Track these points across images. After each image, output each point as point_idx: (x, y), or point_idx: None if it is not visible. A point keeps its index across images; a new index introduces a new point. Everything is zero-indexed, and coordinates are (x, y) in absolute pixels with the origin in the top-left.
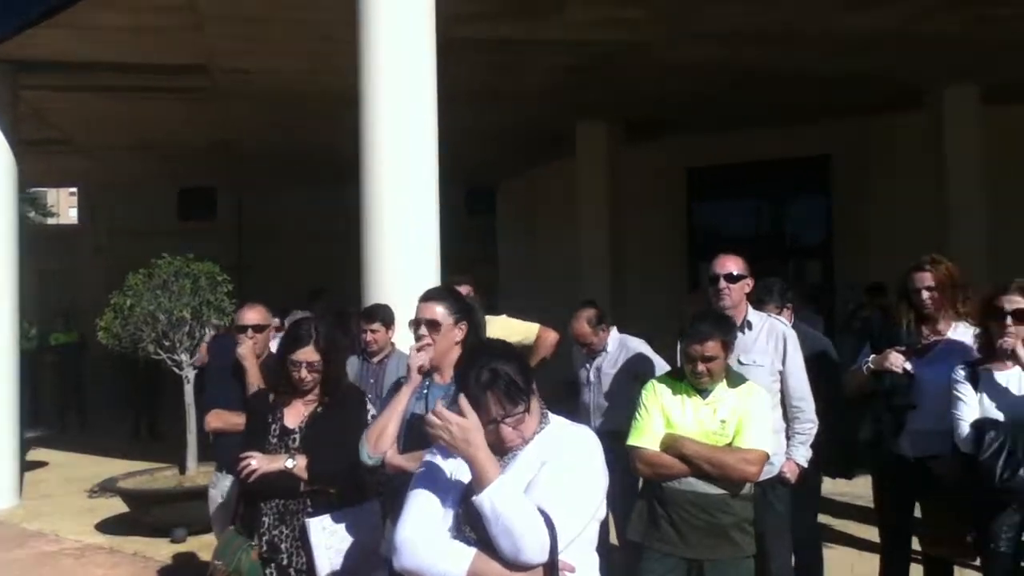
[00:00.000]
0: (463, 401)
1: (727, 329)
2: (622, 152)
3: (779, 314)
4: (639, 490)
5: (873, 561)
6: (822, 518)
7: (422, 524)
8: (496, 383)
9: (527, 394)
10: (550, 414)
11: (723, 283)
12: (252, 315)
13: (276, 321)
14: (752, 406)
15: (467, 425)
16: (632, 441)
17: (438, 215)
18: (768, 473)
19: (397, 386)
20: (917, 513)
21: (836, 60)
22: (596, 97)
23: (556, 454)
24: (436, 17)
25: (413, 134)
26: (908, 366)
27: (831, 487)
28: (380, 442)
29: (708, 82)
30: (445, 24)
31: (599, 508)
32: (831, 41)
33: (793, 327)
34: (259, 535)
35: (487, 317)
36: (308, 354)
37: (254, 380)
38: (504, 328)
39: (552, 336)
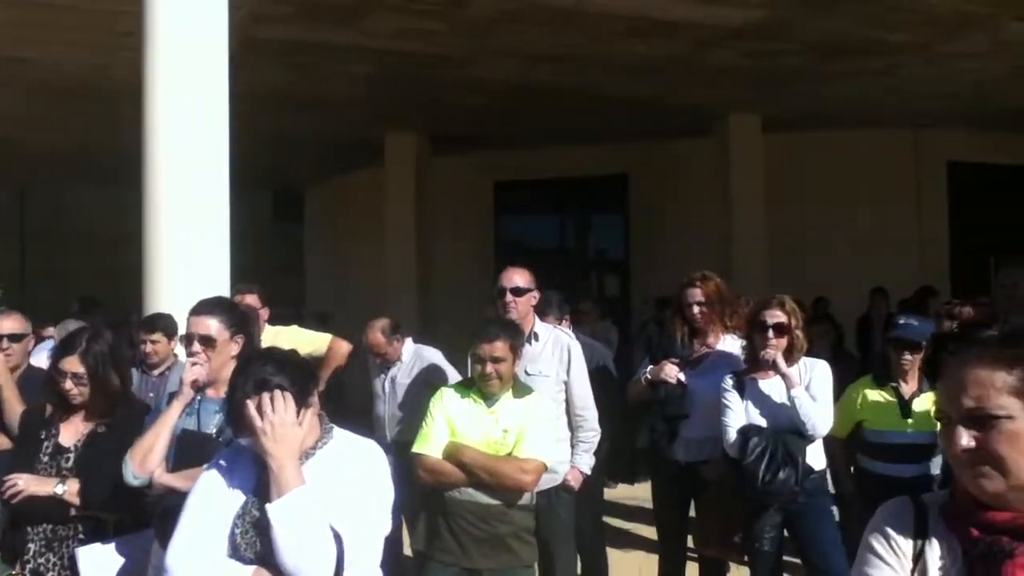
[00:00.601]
0: (276, 398)
1: (515, 333)
2: (431, 164)
3: (558, 326)
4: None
5: (656, 560)
6: (611, 522)
7: (194, 546)
8: (262, 390)
9: (298, 406)
10: (335, 428)
11: (509, 296)
12: (7, 324)
13: (51, 331)
14: (534, 416)
15: (286, 423)
16: (416, 449)
17: (229, 220)
18: (552, 481)
19: (169, 401)
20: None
21: (627, 84)
22: (404, 108)
23: (341, 469)
24: (232, 15)
25: (200, 133)
26: (681, 377)
27: (619, 492)
28: (147, 460)
29: (511, 98)
30: (243, 23)
31: (385, 523)
32: (621, 66)
33: (577, 339)
34: (23, 563)
35: (276, 327)
36: (73, 364)
37: (8, 395)
38: (294, 338)
39: (344, 347)
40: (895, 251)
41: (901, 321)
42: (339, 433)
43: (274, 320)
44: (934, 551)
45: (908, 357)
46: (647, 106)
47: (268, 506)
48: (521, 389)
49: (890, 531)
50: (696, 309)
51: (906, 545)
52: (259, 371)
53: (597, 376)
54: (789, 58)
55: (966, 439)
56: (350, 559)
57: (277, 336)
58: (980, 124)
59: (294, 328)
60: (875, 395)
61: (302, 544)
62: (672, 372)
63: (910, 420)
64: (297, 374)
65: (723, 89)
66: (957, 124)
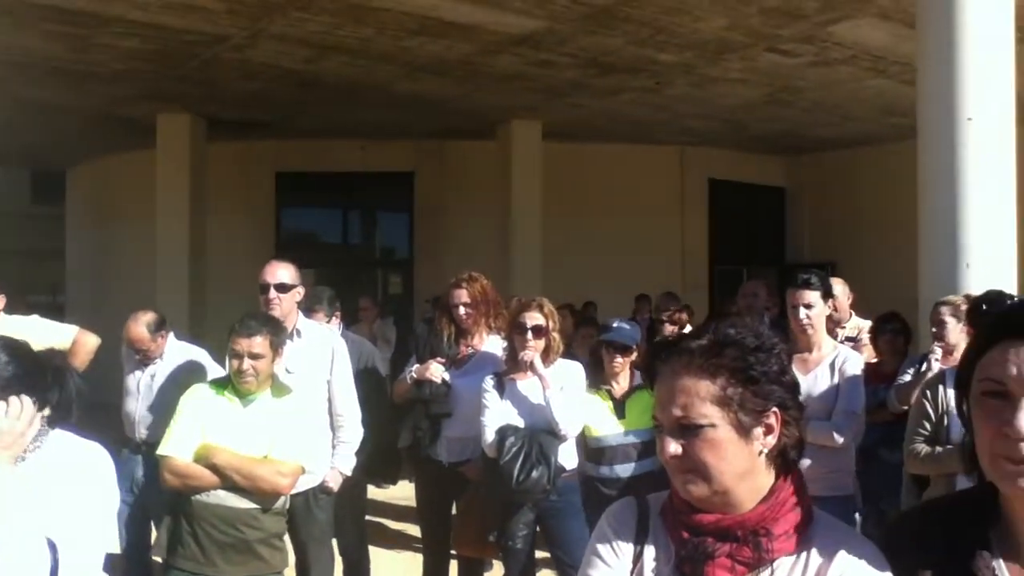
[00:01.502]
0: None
1: (276, 329)
2: (209, 149)
3: (328, 323)
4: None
5: (421, 560)
6: (376, 521)
7: None
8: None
9: (11, 391)
10: (55, 429)
11: (273, 292)
12: None
13: None
14: (292, 416)
15: (14, 432)
16: (162, 450)
17: None
18: (310, 482)
19: None
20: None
21: (416, 83)
22: (179, 88)
23: (58, 473)
24: None
25: None
26: (446, 376)
27: (385, 491)
28: None
29: (296, 87)
30: None
31: (108, 529)
32: (410, 64)
33: (344, 337)
34: None
35: (15, 317)
36: None
37: None
38: (32, 330)
39: (92, 341)
40: (661, 260)
41: (614, 325)
42: (57, 434)
43: (14, 309)
44: (650, 552)
45: (619, 360)
46: (435, 106)
47: None
48: (280, 388)
49: (612, 532)
50: (462, 310)
51: (627, 546)
52: None
53: (365, 376)
54: (567, 70)
55: (673, 447)
56: (65, 568)
57: (11, 327)
58: (739, 145)
59: (34, 318)
60: (592, 399)
61: (11, 557)
62: (437, 371)
63: (623, 420)
64: (22, 363)
65: (507, 95)
66: (719, 144)
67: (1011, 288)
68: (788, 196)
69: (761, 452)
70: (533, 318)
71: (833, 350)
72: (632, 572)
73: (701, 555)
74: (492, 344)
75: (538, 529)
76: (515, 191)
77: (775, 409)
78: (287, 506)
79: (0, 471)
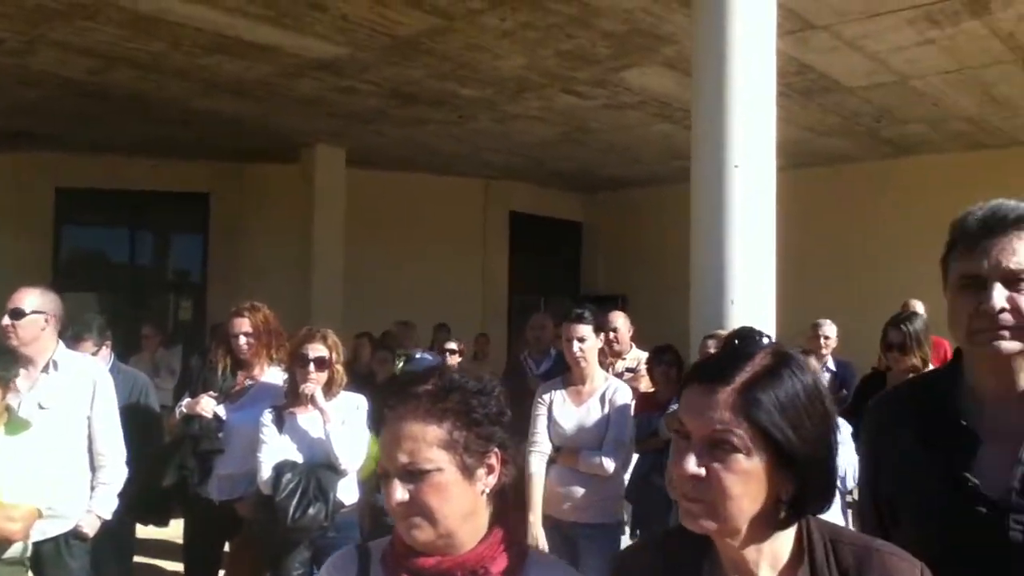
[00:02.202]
0: None
1: (5, 364)
2: None
3: (97, 352)
4: None
5: None
6: (143, 561)
7: None
8: None
9: None
10: None
11: (6, 320)
12: None
13: None
14: (30, 455)
15: None
16: None
17: None
18: (61, 527)
19: None
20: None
21: (214, 101)
22: None
23: None
24: None
25: None
26: (220, 411)
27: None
28: None
29: (81, 99)
30: None
31: None
32: (207, 82)
33: (115, 368)
34: None
35: None
36: None
37: None
38: None
39: None
40: (463, 289)
41: (416, 356)
42: None
43: None
44: None
45: None
46: (234, 126)
47: None
48: (16, 425)
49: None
50: (243, 339)
51: None
52: None
53: (136, 410)
54: (369, 98)
55: (400, 493)
56: None
57: None
58: (538, 180)
59: None
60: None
61: None
62: (207, 406)
63: None
64: None
65: (309, 119)
66: (520, 178)
67: (770, 321)
68: (584, 230)
69: (483, 492)
70: (316, 349)
71: (604, 382)
72: None
73: None
74: (271, 376)
75: (315, 567)
76: (317, 216)
77: (496, 449)
78: (28, 553)
79: None
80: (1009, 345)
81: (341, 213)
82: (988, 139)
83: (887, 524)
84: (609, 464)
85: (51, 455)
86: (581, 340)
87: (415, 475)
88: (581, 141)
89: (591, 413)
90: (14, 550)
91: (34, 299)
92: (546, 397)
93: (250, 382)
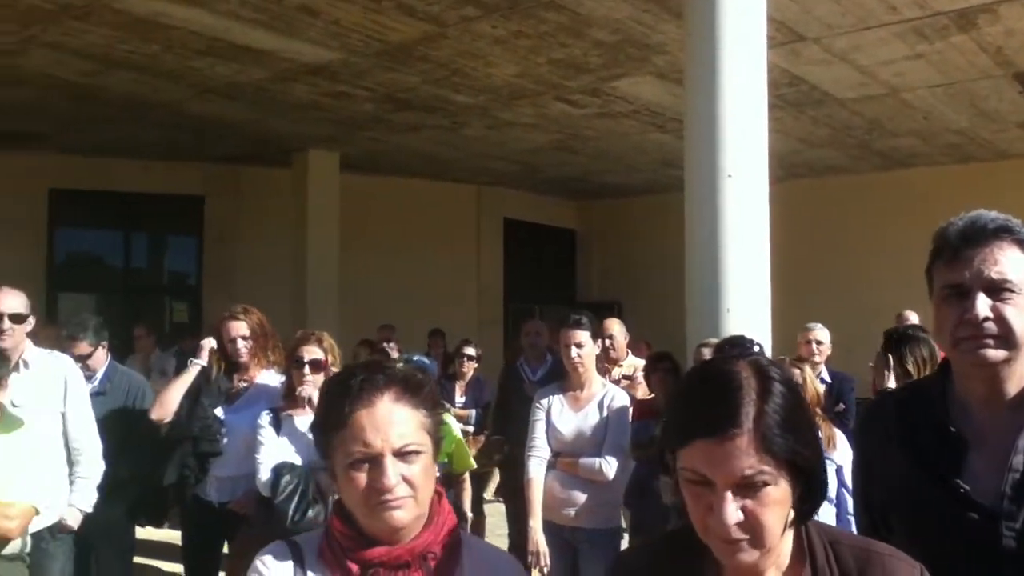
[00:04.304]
0: None
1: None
2: None
3: (92, 352)
4: None
5: None
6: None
7: None
8: None
9: None
10: None
11: (7, 323)
12: None
13: None
14: (20, 454)
15: None
16: None
17: None
18: (45, 522)
19: None
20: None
21: (209, 105)
22: None
23: None
24: None
25: None
26: (220, 413)
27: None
28: None
29: (76, 101)
30: None
31: None
32: (202, 86)
33: (111, 368)
34: None
35: None
36: None
37: None
38: None
39: None
40: (457, 295)
41: (415, 358)
42: None
43: None
44: None
45: None
46: (229, 129)
47: None
48: (9, 423)
49: (268, 573)
50: (240, 343)
51: None
52: None
53: (132, 412)
54: (364, 103)
55: (394, 473)
56: None
57: None
58: (532, 187)
59: None
60: None
61: None
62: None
63: None
64: None
65: (303, 124)
66: (514, 184)
67: (766, 329)
68: (579, 238)
69: (436, 477)
70: (311, 352)
71: (602, 388)
72: None
73: None
74: (266, 378)
75: None
76: (311, 221)
77: None
78: (27, 550)
79: None
80: (994, 353)
81: (335, 218)
82: (978, 152)
83: (881, 532)
84: (608, 469)
85: (31, 452)
86: (579, 346)
87: (408, 456)
88: (575, 149)
89: (589, 419)
90: (13, 547)
91: (23, 301)
92: (544, 402)
93: (244, 384)
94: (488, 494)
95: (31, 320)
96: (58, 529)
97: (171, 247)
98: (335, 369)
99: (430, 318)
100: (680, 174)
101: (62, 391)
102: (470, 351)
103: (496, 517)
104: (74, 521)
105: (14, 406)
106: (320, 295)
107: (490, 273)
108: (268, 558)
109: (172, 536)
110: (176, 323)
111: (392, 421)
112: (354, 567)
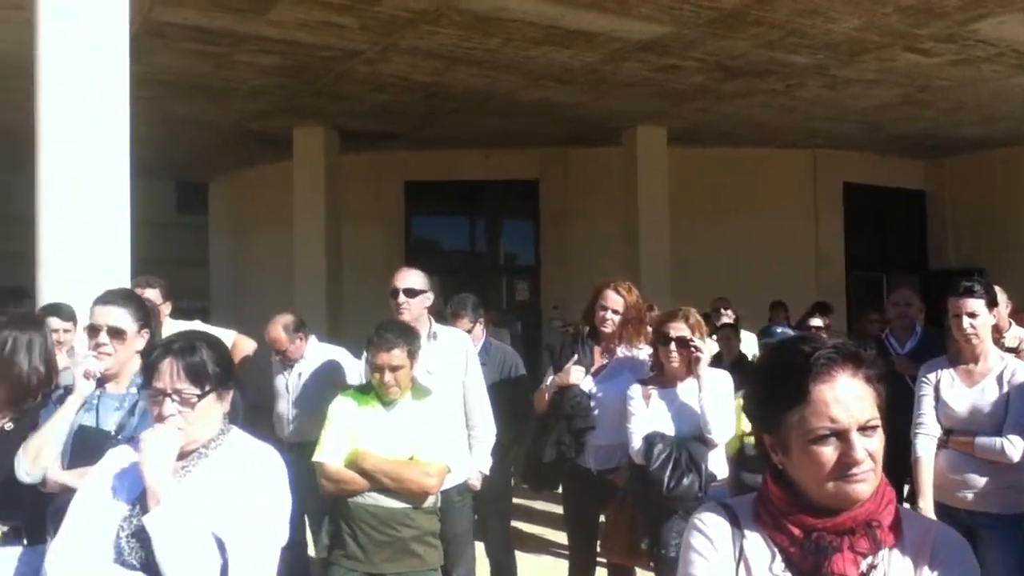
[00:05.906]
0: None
1: (412, 338)
2: (341, 160)
3: (472, 328)
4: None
5: (565, 566)
6: (520, 527)
7: (74, 551)
8: (184, 354)
9: (210, 385)
10: (234, 429)
11: (402, 297)
12: None
13: None
14: (434, 418)
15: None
16: (317, 457)
17: (130, 208)
18: (453, 481)
19: (64, 395)
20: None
21: (542, 91)
22: (313, 101)
23: (234, 474)
24: None
25: (99, 115)
26: (589, 385)
27: (529, 496)
28: (40, 457)
29: (425, 99)
30: (144, 4)
31: (280, 532)
32: (535, 73)
33: (487, 343)
34: None
35: (179, 322)
36: None
37: None
38: None
39: (249, 345)
40: (794, 266)
41: (778, 331)
42: (236, 434)
43: (176, 314)
44: (752, 550)
45: None
46: (560, 113)
47: (144, 517)
48: (420, 391)
49: (708, 535)
50: (609, 314)
51: (726, 547)
52: (192, 338)
53: (510, 382)
54: (693, 75)
55: (862, 448)
56: (236, 567)
57: (176, 331)
58: (874, 147)
59: (197, 323)
60: None
61: (180, 555)
62: (579, 375)
63: None
64: (223, 358)
65: (632, 101)
66: (853, 146)
67: None
68: (929, 200)
69: None
70: (677, 329)
71: (1000, 361)
72: (737, 568)
73: (825, 549)
74: (633, 350)
75: None
76: (641, 197)
77: None
78: (439, 504)
79: (159, 475)
80: None
81: (664, 193)
82: None
83: None
84: (1012, 451)
85: (441, 417)
86: (972, 316)
87: (868, 431)
88: (924, 102)
89: (986, 395)
90: (429, 501)
91: (421, 279)
92: (931, 377)
93: (610, 356)
94: None
95: (429, 296)
96: (465, 488)
97: (510, 229)
98: (701, 345)
99: (766, 290)
100: None
101: (464, 361)
102: (816, 322)
103: None
104: (477, 481)
105: (428, 373)
106: (652, 270)
107: (830, 241)
108: (707, 515)
109: (550, 507)
110: (518, 301)
111: (855, 396)
112: (796, 530)
